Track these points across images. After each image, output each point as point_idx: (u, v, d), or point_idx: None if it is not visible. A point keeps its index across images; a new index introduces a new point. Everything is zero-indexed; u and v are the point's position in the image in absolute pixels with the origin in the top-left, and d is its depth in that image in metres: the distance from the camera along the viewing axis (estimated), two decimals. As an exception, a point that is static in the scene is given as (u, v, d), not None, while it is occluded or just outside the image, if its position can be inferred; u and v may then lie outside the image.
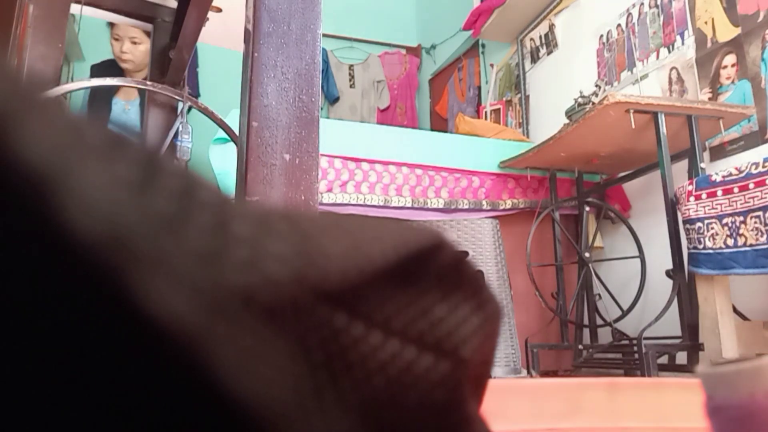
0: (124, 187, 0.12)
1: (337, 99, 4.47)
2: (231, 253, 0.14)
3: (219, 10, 1.56)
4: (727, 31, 2.03)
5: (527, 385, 0.87)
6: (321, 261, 0.16)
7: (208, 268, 0.13)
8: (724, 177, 1.52)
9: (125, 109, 2.38)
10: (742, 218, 1.46)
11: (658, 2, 2.34)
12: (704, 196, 1.57)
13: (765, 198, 1.40)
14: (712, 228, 1.54)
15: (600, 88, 2.29)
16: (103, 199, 0.12)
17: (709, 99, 2.06)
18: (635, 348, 1.73)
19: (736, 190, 1.48)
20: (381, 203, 2.18)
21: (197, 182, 0.14)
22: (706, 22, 2.12)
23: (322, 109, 4.35)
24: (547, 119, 2.95)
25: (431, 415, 0.18)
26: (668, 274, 1.74)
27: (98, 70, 2.57)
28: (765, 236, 1.40)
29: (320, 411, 0.15)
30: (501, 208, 2.36)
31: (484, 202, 2.34)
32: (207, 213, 0.14)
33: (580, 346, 2.13)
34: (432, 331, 0.18)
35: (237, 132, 0.76)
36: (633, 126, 1.77)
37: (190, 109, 1.57)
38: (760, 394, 0.29)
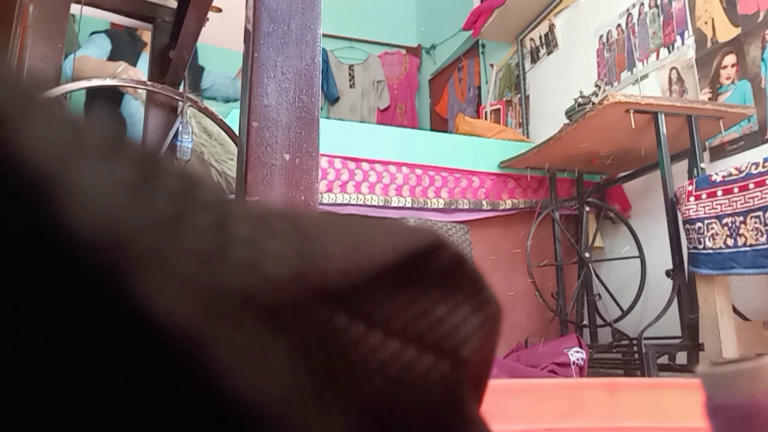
0: (124, 187, 0.12)
1: (337, 99, 4.46)
2: (231, 254, 0.14)
3: (219, 10, 1.57)
4: (727, 31, 2.03)
5: (527, 385, 0.87)
6: (321, 261, 0.16)
7: (207, 269, 0.13)
8: (724, 177, 1.52)
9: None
10: (742, 218, 1.46)
11: (658, 2, 2.34)
12: (704, 196, 1.57)
13: (765, 198, 1.40)
14: (712, 228, 1.54)
15: (600, 88, 2.29)
16: (103, 199, 0.12)
17: (709, 99, 2.06)
18: (635, 348, 1.73)
19: (736, 190, 1.48)
20: (381, 203, 2.18)
21: (197, 182, 0.14)
22: (706, 22, 2.12)
23: (322, 109, 4.35)
24: (547, 119, 2.95)
25: (431, 415, 0.18)
26: (668, 274, 1.74)
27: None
28: (765, 236, 1.40)
29: (320, 411, 0.15)
30: (501, 208, 2.36)
31: (484, 202, 2.33)
32: (207, 213, 0.14)
33: (580, 346, 2.13)
34: (432, 331, 0.18)
35: (237, 132, 0.76)
36: (633, 126, 1.77)
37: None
38: (760, 394, 0.29)
